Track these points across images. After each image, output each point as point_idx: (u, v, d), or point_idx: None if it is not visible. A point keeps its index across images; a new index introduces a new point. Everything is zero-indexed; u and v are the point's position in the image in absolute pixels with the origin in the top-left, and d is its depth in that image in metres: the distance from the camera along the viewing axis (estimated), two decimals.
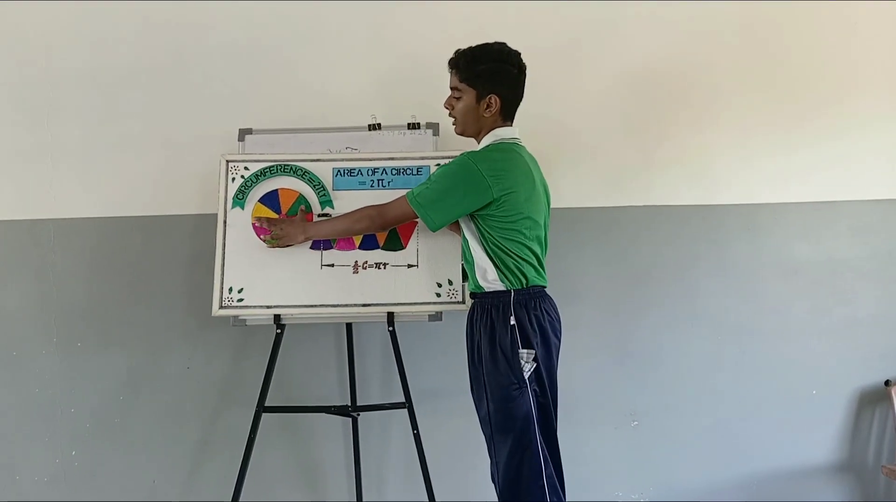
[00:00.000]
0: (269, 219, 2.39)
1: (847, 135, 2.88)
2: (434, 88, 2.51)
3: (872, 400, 2.88)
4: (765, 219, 2.85)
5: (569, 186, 2.73)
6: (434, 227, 2.17)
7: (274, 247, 2.38)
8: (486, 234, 2.14)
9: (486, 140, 2.21)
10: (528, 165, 2.20)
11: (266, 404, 2.42)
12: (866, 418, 2.89)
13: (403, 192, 2.42)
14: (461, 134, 2.27)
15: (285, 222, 2.38)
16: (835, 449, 2.89)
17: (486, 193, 2.09)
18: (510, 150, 2.18)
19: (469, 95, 2.18)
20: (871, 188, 2.88)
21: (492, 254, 2.14)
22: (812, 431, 2.88)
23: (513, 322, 2.10)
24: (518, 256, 2.14)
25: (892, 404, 2.76)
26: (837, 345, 2.87)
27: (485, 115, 2.18)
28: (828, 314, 2.87)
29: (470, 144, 2.32)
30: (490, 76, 2.16)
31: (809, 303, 2.86)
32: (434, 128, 2.59)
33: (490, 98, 2.16)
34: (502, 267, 2.13)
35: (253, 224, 2.42)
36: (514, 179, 2.13)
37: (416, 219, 2.24)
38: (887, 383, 2.84)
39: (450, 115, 2.26)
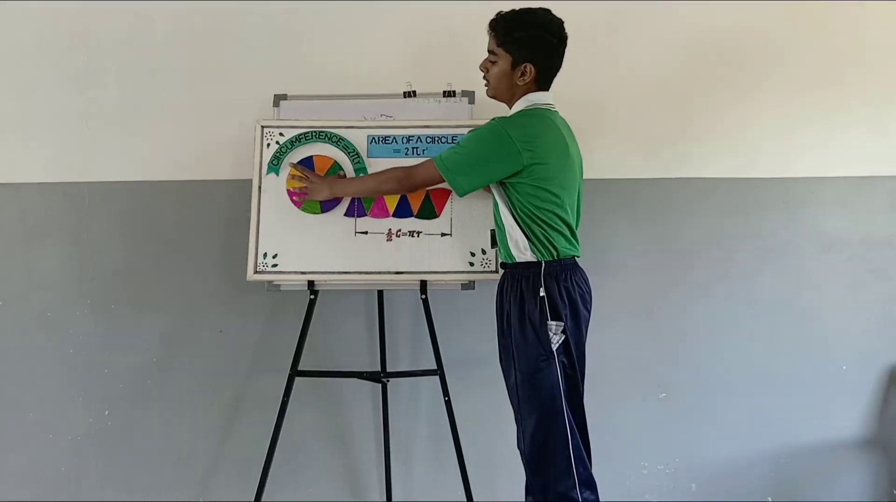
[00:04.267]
0: (304, 173, 2.41)
1: (888, 109, 2.83)
2: (470, 56, 2.48)
3: None
4: (801, 193, 2.81)
5: (604, 156, 2.70)
6: (461, 192, 2.16)
7: (301, 196, 2.41)
8: (517, 202, 2.12)
9: (519, 105, 2.17)
10: (561, 132, 2.16)
11: (299, 368, 2.45)
12: None
13: None
14: (493, 97, 2.23)
15: (315, 177, 2.40)
16: (863, 426, 2.87)
17: (515, 160, 2.07)
18: (542, 117, 2.15)
19: (504, 61, 2.14)
20: None
21: (522, 223, 2.12)
22: (841, 408, 2.86)
23: (542, 293, 2.09)
24: (548, 225, 2.11)
25: None
26: (870, 322, 2.84)
27: (518, 82, 2.14)
28: (862, 290, 2.84)
29: (506, 111, 2.30)
30: (527, 44, 2.11)
31: (844, 279, 2.83)
32: (470, 96, 2.56)
33: (525, 66, 2.12)
34: (532, 236, 2.11)
35: (288, 190, 2.43)
36: (545, 146, 2.10)
37: (444, 184, 2.20)
38: None
39: (484, 77, 2.23)
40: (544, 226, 2.11)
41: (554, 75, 2.19)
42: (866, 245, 2.83)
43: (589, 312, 2.21)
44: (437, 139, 2.47)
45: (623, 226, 2.79)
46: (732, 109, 2.80)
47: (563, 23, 2.14)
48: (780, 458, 2.85)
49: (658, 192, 2.80)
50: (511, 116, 2.15)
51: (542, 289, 2.09)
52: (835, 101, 2.82)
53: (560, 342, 2.10)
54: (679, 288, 2.82)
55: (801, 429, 2.86)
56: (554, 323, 2.09)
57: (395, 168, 2.30)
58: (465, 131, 2.45)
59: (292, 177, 2.43)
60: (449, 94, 2.57)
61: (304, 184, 2.40)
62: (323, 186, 2.37)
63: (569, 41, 2.16)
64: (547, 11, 2.14)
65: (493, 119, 2.14)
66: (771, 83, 2.81)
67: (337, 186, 2.38)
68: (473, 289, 2.47)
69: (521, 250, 2.14)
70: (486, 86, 2.23)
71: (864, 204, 2.83)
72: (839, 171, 2.83)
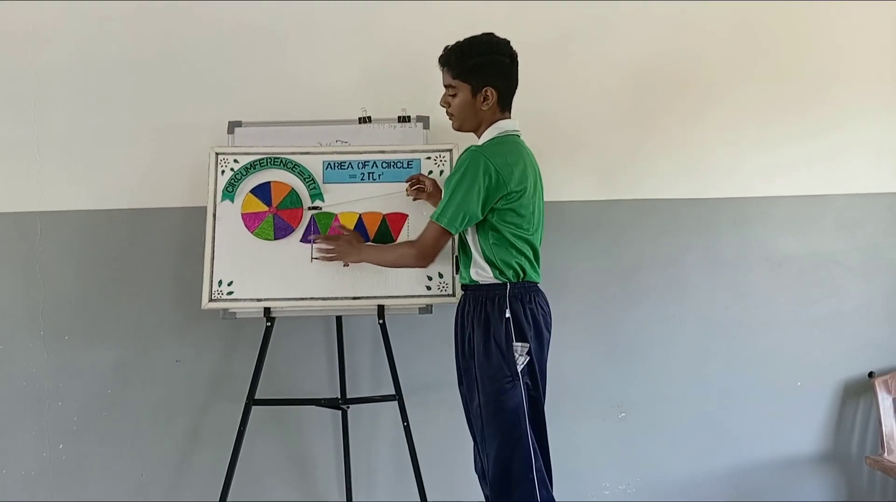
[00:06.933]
0: (325, 237, 2.38)
1: (834, 129, 2.90)
2: (424, 82, 2.52)
3: (857, 391, 2.91)
4: (753, 213, 2.87)
5: (559, 180, 2.73)
6: (456, 232, 2.14)
7: (324, 259, 2.38)
8: (490, 230, 2.13)
9: (490, 133, 2.18)
10: (531, 158, 2.20)
11: (256, 397, 2.42)
12: (850, 409, 2.92)
13: (394, 186, 2.46)
14: (459, 129, 2.24)
15: (342, 239, 2.36)
16: (819, 439, 2.92)
17: (502, 187, 2.08)
18: (515, 143, 2.17)
19: (464, 91, 2.15)
20: (857, 182, 2.91)
21: (492, 249, 2.13)
22: (797, 422, 2.91)
23: (508, 315, 2.10)
24: (518, 250, 2.13)
25: (876, 395, 2.80)
26: (823, 338, 2.90)
27: (482, 108, 2.16)
28: (813, 306, 2.90)
29: (459, 137, 2.32)
30: (482, 69, 2.14)
31: (795, 296, 2.89)
32: (424, 121, 2.59)
33: (486, 91, 2.14)
34: (500, 262, 2.13)
35: (309, 238, 2.42)
36: (522, 173, 2.12)
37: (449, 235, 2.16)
38: (871, 375, 2.87)
39: (447, 112, 2.23)
40: (515, 252, 2.13)
41: (513, 94, 2.21)
42: (815, 262, 2.90)
43: (550, 334, 2.23)
44: (392, 164, 2.48)
45: (579, 248, 2.82)
46: (684, 132, 2.86)
47: (509, 42, 2.17)
48: (738, 474, 2.88)
49: (613, 214, 2.84)
50: (487, 144, 2.15)
51: (507, 310, 2.10)
52: (782, 124, 2.89)
53: (525, 363, 2.11)
54: (636, 308, 2.85)
55: (758, 445, 2.90)
56: (520, 344, 2.10)
57: (406, 244, 2.26)
58: (420, 156, 2.48)
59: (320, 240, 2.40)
60: (404, 119, 2.59)
61: (331, 247, 2.36)
62: (352, 250, 2.33)
63: (522, 64, 2.19)
64: (491, 35, 2.17)
65: (469, 149, 2.12)
66: (720, 106, 2.87)
67: (364, 253, 2.34)
68: (431, 312, 2.47)
69: (485, 275, 2.15)
70: (451, 119, 2.23)
71: (813, 222, 2.90)
72: (789, 191, 2.89)
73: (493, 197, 2.08)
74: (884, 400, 2.80)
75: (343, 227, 2.42)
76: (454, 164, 2.17)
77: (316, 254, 2.40)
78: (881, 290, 2.92)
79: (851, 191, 2.91)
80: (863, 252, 2.91)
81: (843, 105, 2.90)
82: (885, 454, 2.75)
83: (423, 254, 2.19)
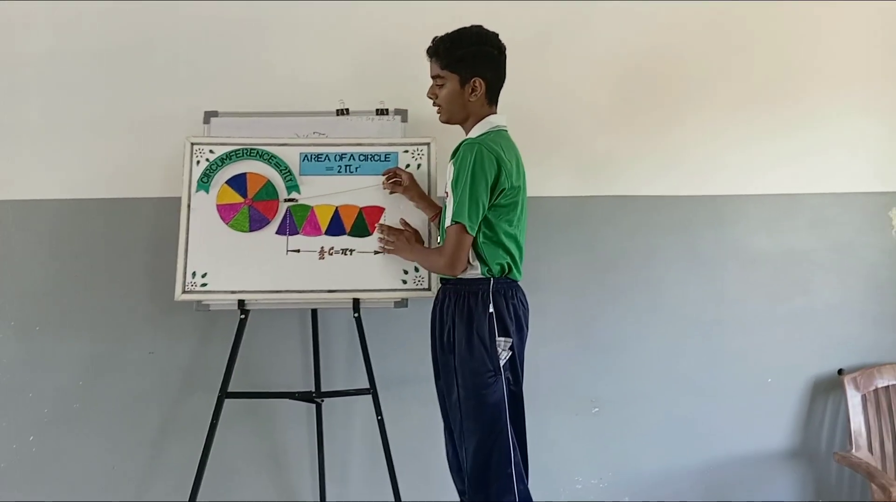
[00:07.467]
0: (390, 227, 2.38)
1: (809, 128, 2.93)
2: (403, 75, 2.52)
3: (826, 388, 2.94)
4: (728, 211, 2.89)
5: (538, 175, 2.68)
6: (475, 231, 2.10)
7: (383, 250, 2.39)
8: (484, 226, 2.11)
9: (482, 127, 2.17)
10: (519, 155, 2.20)
11: (229, 390, 2.41)
12: (819, 406, 2.96)
13: (370, 179, 2.45)
14: (447, 121, 2.23)
15: (404, 236, 2.36)
16: (789, 436, 2.95)
17: (503, 181, 2.08)
18: (507, 139, 2.18)
19: (453, 81, 2.15)
20: (830, 181, 2.94)
21: (482, 247, 2.13)
22: (767, 418, 2.94)
23: (491, 310, 2.10)
24: (506, 250, 2.14)
25: (845, 392, 2.83)
26: (794, 335, 2.93)
27: (471, 99, 2.16)
28: (785, 304, 2.92)
29: (438, 130, 2.32)
30: (471, 60, 2.14)
31: (768, 294, 2.92)
32: (402, 114, 2.58)
33: (474, 82, 2.14)
34: (489, 259, 2.13)
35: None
36: (516, 169, 2.14)
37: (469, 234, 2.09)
38: (840, 372, 2.91)
39: (434, 104, 2.22)
40: (502, 251, 2.14)
41: (500, 88, 2.22)
42: (788, 260, 2.92)
43: (528, 328, 2.24)
44: (370, 157, 2.48)
45: (556, 244, 2.83)
46: (661, 130, 2.87)
47: (497, 35, 2.18)
48: (709, 469, 2.91)
49: (590, 211, 2.85)
50: (484, 138, 2.13)
51: (491, 306, 2.11)
52: (759, 123, 2.91)
53: (507, 358, 2.12)
54: (611, 304, 2.86)
55: (729, 440, 2.92)
56: (503, 339, 2.11)
57: (435, 254, 2.22)
58: (397, 149, 2.48)
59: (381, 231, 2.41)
60: (382, 112, 2.58)
61: (389, 239, 2.37)
62: (408, 247, 2.34)
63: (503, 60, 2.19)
64: (480, 27, 2.18)
65: (466, 143, 2.11)
66: (699, 105, 2.89)
67: (415, 253, 2.34)
68: (406, 306, 2.47)
69: (471, 271, 2.15)
70: (438, 111, 2.22)
71: (787, 220, 2.93)
72: (764, 190, 2.92)
73: (496, 189, 2.08)
74: (852, 396, 2.84)
75: (407, 225, 2.41)
76: (454, 162, 2.12)
77: (378, 245, 2.40)
78: (853, 289, 2.96)
79: (825, 191, 2.94)
80: (835, 251, 2.94)
81: (818, 105, 2.93)
82: (853, 450, 2.78)
83: (450, 264, 2.12)
